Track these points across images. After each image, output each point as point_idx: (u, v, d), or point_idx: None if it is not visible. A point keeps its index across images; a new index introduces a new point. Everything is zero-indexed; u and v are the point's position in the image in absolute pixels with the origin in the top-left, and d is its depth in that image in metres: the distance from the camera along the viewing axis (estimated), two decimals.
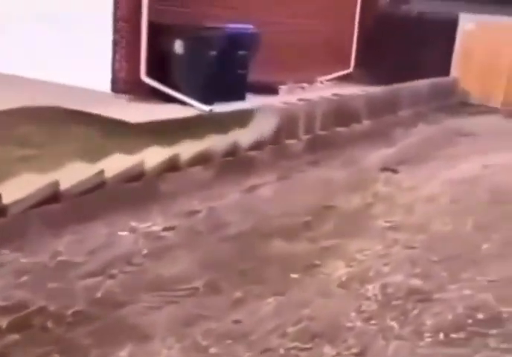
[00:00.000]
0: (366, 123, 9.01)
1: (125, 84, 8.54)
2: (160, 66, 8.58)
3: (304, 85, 12.03)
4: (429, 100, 11.51)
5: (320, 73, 12.82)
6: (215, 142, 6.16)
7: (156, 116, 7.22)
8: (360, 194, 5.81)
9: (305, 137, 7.54)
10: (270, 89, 10.54)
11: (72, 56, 8.67)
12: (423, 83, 11.25)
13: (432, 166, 7.06)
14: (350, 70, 13.98)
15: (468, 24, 12.33)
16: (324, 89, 11.90)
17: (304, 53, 12.15)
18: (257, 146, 6.68)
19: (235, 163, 6.24)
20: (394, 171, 6.78)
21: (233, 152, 6.29)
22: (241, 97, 9.27)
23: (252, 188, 5.78)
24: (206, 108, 8.19)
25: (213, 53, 8.52)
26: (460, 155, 7.76)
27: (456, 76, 12.54)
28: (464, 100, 12.54)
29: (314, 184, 6.08)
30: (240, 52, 9.11)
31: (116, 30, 8.46)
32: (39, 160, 4.75)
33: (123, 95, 8.43)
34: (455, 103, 12.34)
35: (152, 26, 8.37)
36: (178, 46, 8.44)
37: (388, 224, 5.03)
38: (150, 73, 8.48)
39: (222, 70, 8.76)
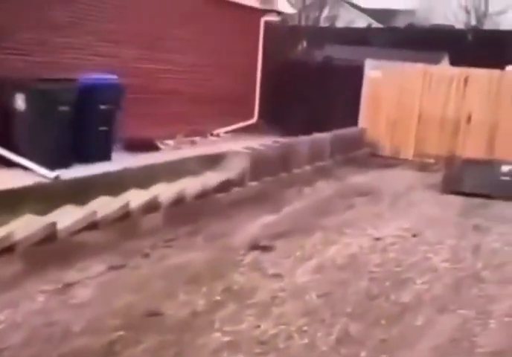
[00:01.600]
0: (251, 186, 7.83)
1: None
2: (1, 125, 7.28)
3: (196, 138, 10.93)
4: (334, 153, 10.49)
5: (218, 125, 11.78)
6: (25, 224, 4.83)
7: None
8: (208, 289, 4.54)
9: (167, 208, 6.27)
10: (149, 146, 9.37)
11: None
12: (325, 135, 10.22)
13: (314, 240, 5.87)
14: (254, 121, 13.01)
15: (373, 71, 11.46)
16: (216, 144, 10.80)
17: (198, 105, 11.07)
18: (94, 224, 5.38)
19: (55, 251, 4.91)
20: (266, 249, 5.57)
21: (52, 235, 4.96)
22: (105, 157, 8.04)
23: (67, 287, 4.44)
24: (50, 174, 6.89)
25: (64, 108, 7.28)
26: (352, 223, 6.63)
27: (363, 127, 11.59)
28: (373, 151, 11.61)
29: (152, 276, 4.78)
30: (102, 106, 7.91)
31: None
32: None
33: None
34: (363, 155, 11.38)
35: None
36: (20, 101, 7.16)
37: (225, 339, 3.76)
38: None
39: (76, 128, 7.52)
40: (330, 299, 4.43)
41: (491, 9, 28.59)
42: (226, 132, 11.88)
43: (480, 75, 10.97)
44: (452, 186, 8.53)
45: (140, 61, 9.57)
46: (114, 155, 8.41)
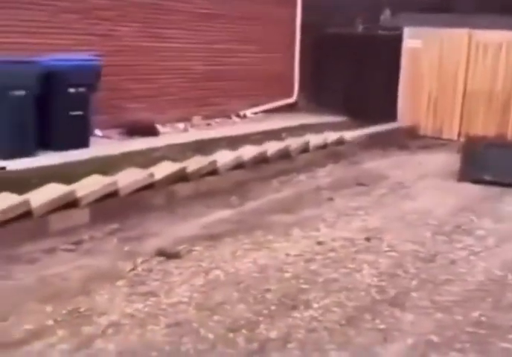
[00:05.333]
0: (234, 174, 6.88)
1: None
2: None
3: (216, 120, 10.07)
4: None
5: (248, 105, 10.83)
6: None
7: None
8: (54, 309, 3.72)
9: (96, 203, 5.46)
10: (148, 130, 8.62)
11: None
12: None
13: (241, 245, 4.89)
14: (293, 99, 11.93)
15: (412, 40, 10.02)
16: (236, 125, 9.91)
17: (219, 84, 10.18)
18: None
19: None
20: (173, 256, 4.67)
21: None
22: (81, 144, 7.37)
23: None
24: None
25: (19, 93, 6.66)
26: (311, 220, 5.56)
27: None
28: (413, 131, 10.24)
29: (11, 290, 4.02)
30: (71, 89, 7.23)
31: None
32: None
33: None
34: (400, 135, 10.05)
35: None
36: None
37: None
38: None
39: (42, 113, 6.91)
40: (178, 330, 3.49)
41: None
42: (256, 113, 10.89)
43: None
44: (470, 173, 7.16)
45: (140, 38, 8.80)
46: (101, 141, 7.79)
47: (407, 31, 10.14)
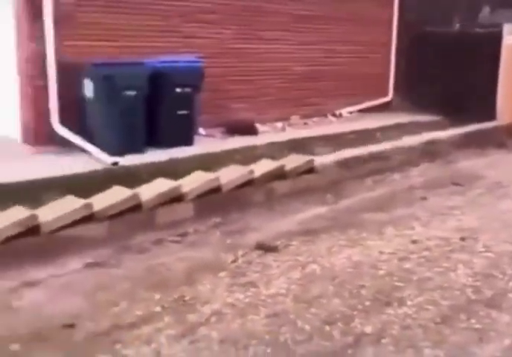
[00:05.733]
0: (329, 173, 6.93)
1: (35, 134, 7.20)
2: (77, 112, 7.21)
3: (313, 119, 10.12)
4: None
5: (344, 104, 10.80)
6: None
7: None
8: (162, 296, 3.94)
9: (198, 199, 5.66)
10: (248, 129, 8.79)
11: None
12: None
13: (336, 241, 4.95)
14: (389, 98, 11.78)
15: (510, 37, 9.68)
16: (332, 124, 9.91)
17: (316, 84, 10.21)
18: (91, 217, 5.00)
19: (37, 245, 4.62)
20: (272, 250, 4.79)
21: (36, 229, 4.67)
22: (186, 142, 7.63)
23: (21, 286, 4.12)
24: (109, 160, 6.63)
25: (130, 93, 6.99)
26: (405, 219, 5.53)
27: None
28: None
29: (122, 278, 4.27)
30: (178, 89, 7.50)
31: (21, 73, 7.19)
32: None
33: (32, 147, 7.12)
34: (498, 133, 9.74)
35: (61, 65, 6.99)
36: (88, 88, 7.01)
37: None
38: (66, 121, 7.13)
39: (151, 112, 7.22)
40: (276, 320, 3.60)
41: None
42: (351, 112, 10.85)
43: None
44: None
45: (240, 40, 8.96)
46: (204, 139, 8.03)
47: (507, 28, 9.81)
